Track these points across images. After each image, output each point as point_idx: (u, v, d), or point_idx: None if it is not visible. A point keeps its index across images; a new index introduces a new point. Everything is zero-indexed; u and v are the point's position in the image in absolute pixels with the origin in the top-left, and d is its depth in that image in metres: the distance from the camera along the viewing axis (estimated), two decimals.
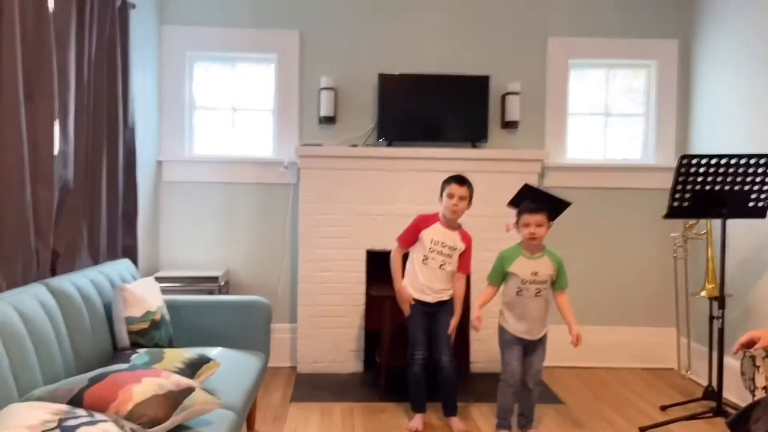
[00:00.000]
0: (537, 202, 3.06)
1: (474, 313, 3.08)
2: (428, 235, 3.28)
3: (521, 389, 3.12)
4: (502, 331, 3.12)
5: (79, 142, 2.89)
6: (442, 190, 3.28)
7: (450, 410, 3.36)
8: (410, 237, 3.34)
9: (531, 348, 3.09)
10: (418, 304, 3.29)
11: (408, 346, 3.35)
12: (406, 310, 3.31)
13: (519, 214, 3.07)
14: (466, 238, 3.33)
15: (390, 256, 3.40)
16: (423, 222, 3.32)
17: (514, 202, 3.19)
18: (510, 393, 3.08)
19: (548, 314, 3.10)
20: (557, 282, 3.10)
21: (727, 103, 3.99)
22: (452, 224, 3.29)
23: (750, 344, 2.22)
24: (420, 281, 3.28)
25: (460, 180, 3.25)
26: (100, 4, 3.07)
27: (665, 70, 4.51)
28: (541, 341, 3.10)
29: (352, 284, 4.22)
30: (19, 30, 2.33)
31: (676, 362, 4.33)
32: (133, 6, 3.48)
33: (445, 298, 3.30)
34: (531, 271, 3.02)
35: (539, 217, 3.00)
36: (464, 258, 3.32)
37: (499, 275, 3.09)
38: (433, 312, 3.30)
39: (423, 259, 3.28)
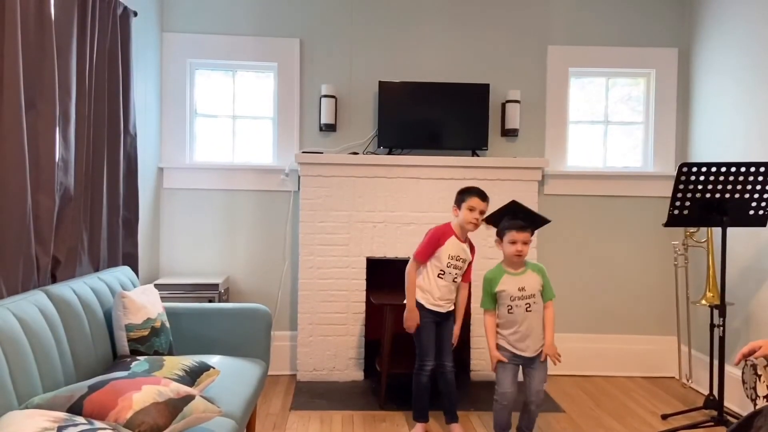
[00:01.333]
0: (523, 219, 3.03)
1: (492, 357, 3.03)
2: (446, 251, 3.24)
3: (522, 406, 3.09)
4: (498, 350, 3.08)
5: (80, 148, 2.89)
6: (461, 200, 3.23)
7: (451, 416, 3.35)
8: (430, 252, 3.27)
9: (529, 367, 3.03)
10: (430, 314, 3.28)
11: (417, 357, 3.32)
12: (411, 328, 3.28)
13: (504, 230, 3.02)
14: (473, 249, 3.35)
15: (406, 271, 3.33)
16: (441, 236, 3.25)
17: (495, 218, 3.14)
18: (505, 412, 3.05)
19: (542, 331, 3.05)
20: (544, 293, 3.05)
21: (727, 112, 4.00)
22: (464, 236, 3.29)
23: (751, 354, 2.21)
24: (435, 295, 3.28)
25: (483, 195, 3.22)
26: (102, 11, 3.08)
27: (665, 78, 4.53)
28: (541, 360, 3.03)
29: (352, 292, 4.22)
30: (21, 37, 2.34)
31: (677, 371, 4.32)
32: (135, 13, 3.50)
33: (452, 308, 3.35)
34: (518, 286, 2.99)
35: (527, 235, 2.99)
36: (469, 267, 3.35)
37: (490, 297, 3.05)
38: (440, 321, 3.32)
39: (439, 274, 3.26)
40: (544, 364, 3.03)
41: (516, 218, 3.03)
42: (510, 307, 2.99)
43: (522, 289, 2.99)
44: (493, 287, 3.04)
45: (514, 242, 2.98)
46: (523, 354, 3.01)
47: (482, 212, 3.20)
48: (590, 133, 4.65)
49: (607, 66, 4.55)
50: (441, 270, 3.26)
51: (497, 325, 3.08)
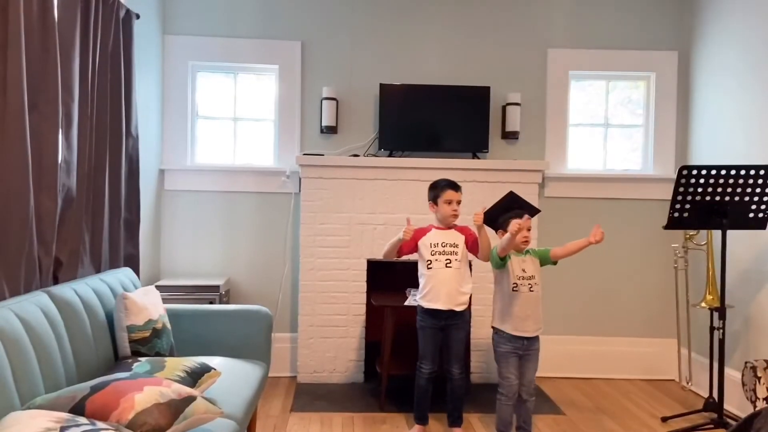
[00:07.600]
0: (522, 209, 3.14)
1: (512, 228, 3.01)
2: (426, 240, 3.28)
3: (516, 401, 3.14)
4: (497, 341, 3.12)
5: (83, 150, 2.90)
6: (435, 196, 3.29)
7: (455, 421, 3.35)
8: (411, 244, 3.28)
9: (525, 357, 3.11)
10: (428, 315, 3.26)
11: (417, 359, 3.33)
12: (408, 233, 3.21)
13: (508, 222, 3.08)
14: (463, 230, 3.32)
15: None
16: (418, 232, 3.30)
17: (494, 212, 3.19)
18: (509, 406, 3.12)
19: (542, 315, 3.15)
20: (544, 255, 3.17)
21: (727, 114, 4.01)
22: (448, 226, 3.31)
23: None
24: (428, 287, 3.24)
25: (456, 186, 3.30)
26: (104, 13, 3.09)
27: (665, 81, 4.54)
28: (535, 350, 3.13)
29: (353, 294, 4.22)
30: (24, 39, 2.35)
31: (677, 373, 4.33)
32: (137, 16, 3.51)
33: (458, 308, 3.23)
34: (521, 267, 3.11)
35: (529, 222, 3.09)
36: (471, 244, 3.27)
37: (496, 258, 3.10)
38: (445, 325, 3.25)
39: (428, 265, 3.25)
40: (537, 356, 3.14)
41: (514, 210, 3.14)
42: (515, 285, 3.09)
43: (524, 270, 3.11)
44: (500, 254, 3.10)
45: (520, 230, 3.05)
46: (523, 335, 3.07)
47: (459, 202, 3.28)
48: (590, 135, 4.66)
49: (607, 69, 4.56)
50: (428, 260, 3.25)
51: (499, 304, 3.14)
